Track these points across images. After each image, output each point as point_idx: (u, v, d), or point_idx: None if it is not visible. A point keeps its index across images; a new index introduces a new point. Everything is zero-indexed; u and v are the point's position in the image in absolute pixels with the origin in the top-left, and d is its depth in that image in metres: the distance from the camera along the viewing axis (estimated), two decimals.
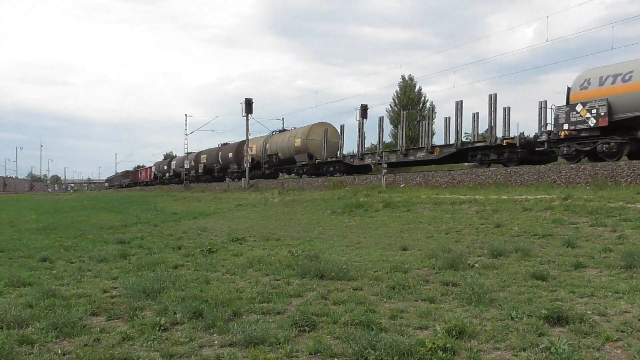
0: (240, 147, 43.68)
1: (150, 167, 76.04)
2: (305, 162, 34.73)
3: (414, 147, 28.45)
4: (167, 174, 63.59)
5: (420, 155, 26.28)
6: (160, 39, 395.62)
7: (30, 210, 28.25)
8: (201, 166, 52.23)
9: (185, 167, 57.57)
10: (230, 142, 48.89)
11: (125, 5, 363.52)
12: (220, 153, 48.13)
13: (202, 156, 52.65)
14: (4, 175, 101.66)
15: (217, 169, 48.70)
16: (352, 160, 30.82)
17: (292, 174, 39.09)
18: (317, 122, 35.22)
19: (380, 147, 29.74)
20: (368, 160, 29.91)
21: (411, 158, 26.93)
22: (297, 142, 35.07)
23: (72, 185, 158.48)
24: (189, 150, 59.82)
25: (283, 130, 39.42)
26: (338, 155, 32.59)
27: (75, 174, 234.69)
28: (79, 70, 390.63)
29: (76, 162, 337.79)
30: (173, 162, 62.88)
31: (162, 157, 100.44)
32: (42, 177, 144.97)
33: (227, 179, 47.61)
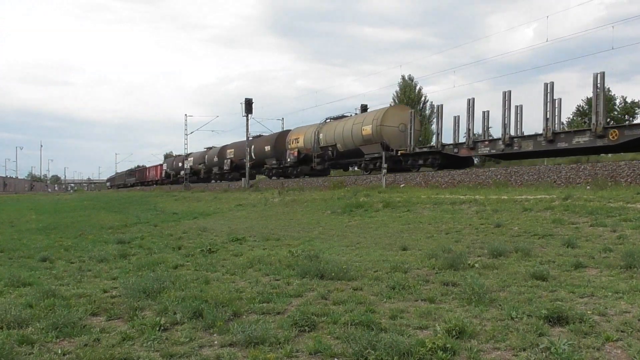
0: (281, 138, 37.63)
1: (161, 165, 69.13)
2: (378, 154, 27.21)
3: (567, 130, 20.31)
4: (182, 172, 57.21)
5: (581, 140, 18.56)
6: (160, 39, 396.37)
7: (30, 210, 28.25)
8: (227, 162, 45.16)
9: (188, 165, 53.39)
10: (265, 134, 42.23)
11: (125, 5, 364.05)
12: (253, 146, 40.95)
13: (229, 151, 45.77)
14: (4, 175, 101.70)
15: (250, 165, 41.33)
16: (456, 150, 23.59)
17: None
18: (392, 104, 29.94)
19: (491, 132, 23.60)
20: (484, 150, 22.38)
21: (562, 145, 19.21)
22: (367, 130, 28.03)
23: (72, 185, 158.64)
24: (189, 150, 58.69)
25: (341, 117, 32.79)
26: (435, 144, 24.80)
27: (75, 174, 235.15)
28: (79, 70, 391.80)
29: (76, 162, 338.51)
30: (190, 159, 56.33)
31: (163, 157, 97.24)
32: (42, 177, 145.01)
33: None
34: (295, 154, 34.95)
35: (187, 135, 57.70)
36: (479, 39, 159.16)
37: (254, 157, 40.71)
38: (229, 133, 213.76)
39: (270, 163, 38.49)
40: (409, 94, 49.57)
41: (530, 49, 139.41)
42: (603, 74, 17.98)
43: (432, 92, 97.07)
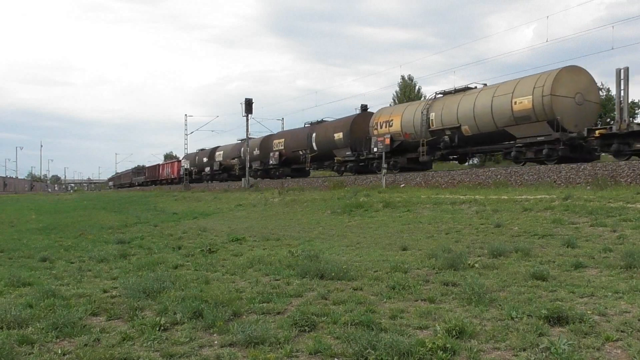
0: (360, 122, 29.81)
1: (178, 161, 60.49)
2: (544, 137, 19.57)
3: None
4: (207, 168, 49.68)
5: None
6: (160, 39, 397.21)
7: (30, 210, 28.25)
8: (275, 155, 37.39)
9: (217, 159, 46.10)
10: (328, 120, 33.94)
11: (125, 5, 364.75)
12: (314, 135, 32.83)
13: (277, 141, 38.17)
14: (4, 175, 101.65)
15: (308, 159, 33.52)
16: None
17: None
18: (566, 65, 20.28)
19: None
20: None
21: None
22: (523, 102, 19.93)
23: (72, 185, 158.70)
24: (189, 150, 57.35)
25: (463, 89, 24.03)
26: None
27: (75, 174, 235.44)
28: (79, 70, 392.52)
29: (76, 162, 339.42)
30: (218, 153, 48.53)
31: (163, 158, 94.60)
32: (42, 177, 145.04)
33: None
34: (387, 141, 26.19)
35: (187, 135, 57.69)
36: (478, 39, 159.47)
37: (315, 149, 32.38)
38: (228, 133, 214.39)
39: (342, 155, 30.14)
40: (408, 94, 49.62)
41: (530, 49, 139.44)
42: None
43: (431, 92, 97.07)
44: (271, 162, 37.91)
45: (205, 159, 51.07)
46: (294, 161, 36.10)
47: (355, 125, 29.94)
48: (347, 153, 29.80)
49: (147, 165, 76.41)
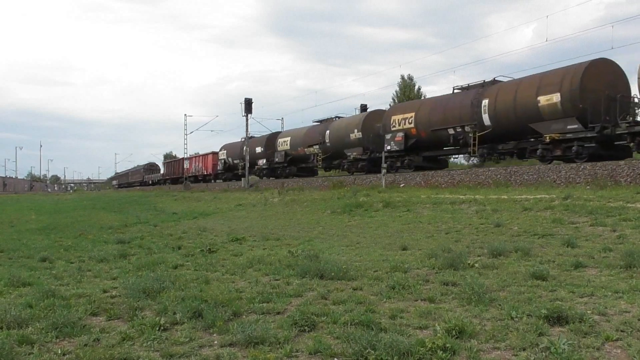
0: (595, 73, 17.52)
1: (213, 153, 47.04)
2: None
3: None
4: (261, 161, 38.35)
5: None
6: (160, 39, 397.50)
7: (30, 210, 28.24)
8: (395, 138, 25.06)
9: (282, 149, 35.35)
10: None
11: (125, 5, 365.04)
12: (484, 103, 20.92)
13: (397, 118, 25.46)
14: (4, 175, 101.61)
15: (473, 140, 21.33)
16: None
17: None
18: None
19: None
20: None
21: None
22: None
23: (72, 185, 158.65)
24: (189, 152, 55.67)
25: None
26: None
27: (75, 174, 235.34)
28: (79, 70, 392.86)
29: (76, 162, 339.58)
30: (283, 140, 36.35)
31: (163, 157, 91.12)
32: (41, 177, 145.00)
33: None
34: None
35: (186, 135, 57.53)
36: (478, 38, 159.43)
37: (487, 123, 20.84)
38: (228, 133, 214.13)
39: (558, 129, 18.26)
40: (408, 94, 49.59)
41: (529, 48, 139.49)
42: None
43: (431, 92, 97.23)
44: (389, 147, 25.42)
45: (259, 149, 39.11)
46: (433, 146, 24.08)
47: (590, 75, 17.26)
48: (571, 127, 17.78)
49: (185, 156, 59.00)
